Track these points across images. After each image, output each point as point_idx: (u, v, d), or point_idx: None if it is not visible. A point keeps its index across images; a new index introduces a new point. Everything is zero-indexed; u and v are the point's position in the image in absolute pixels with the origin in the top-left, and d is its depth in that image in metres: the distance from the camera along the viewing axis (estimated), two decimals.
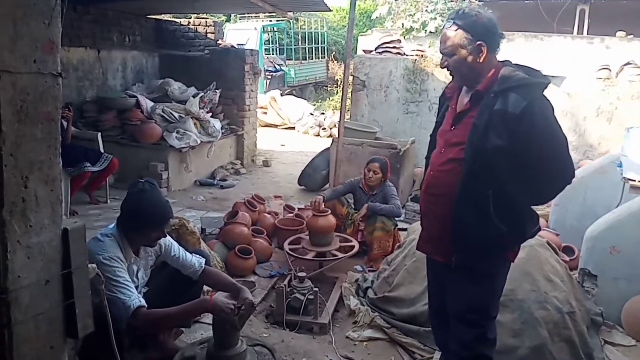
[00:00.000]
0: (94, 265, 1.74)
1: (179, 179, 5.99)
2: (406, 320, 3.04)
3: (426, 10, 8.33)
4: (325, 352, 2.87)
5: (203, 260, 2.59)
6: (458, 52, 1.94)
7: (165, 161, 5.75)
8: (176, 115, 6.02)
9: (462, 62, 1.95)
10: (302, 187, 6.41)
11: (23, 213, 1.44)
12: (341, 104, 5.28)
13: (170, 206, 2.45)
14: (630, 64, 6.56)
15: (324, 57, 17.92)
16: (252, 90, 7.44)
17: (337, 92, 14.80)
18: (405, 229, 4.21)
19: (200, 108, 6.30)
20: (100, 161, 4.81)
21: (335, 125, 9.71)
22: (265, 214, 4.67)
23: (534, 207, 2.05)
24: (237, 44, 8.69)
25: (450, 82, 2.16)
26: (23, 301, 1.46)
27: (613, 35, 7.39)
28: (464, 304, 2.05)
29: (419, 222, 2.31)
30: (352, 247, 4.00)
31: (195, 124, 6.12)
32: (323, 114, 11.66)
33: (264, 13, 10.97)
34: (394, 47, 7.40)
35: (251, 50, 7.71)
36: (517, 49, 6.86)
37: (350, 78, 7.03)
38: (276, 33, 16.67)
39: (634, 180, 3.57)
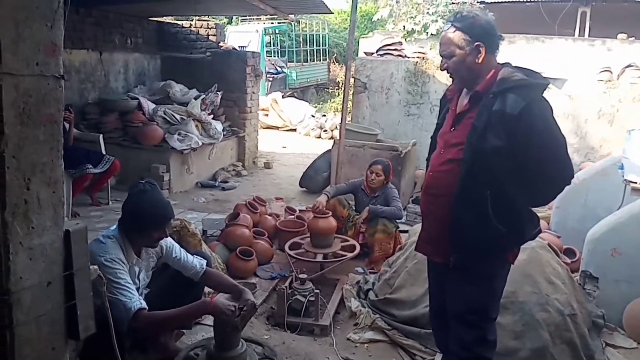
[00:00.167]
0: (96, 266, 1.75)
1: (180, 181, 6.00)
2: (407, 322, 3.03)
3: (427, 12, 8.35)
4: (326, 354, 2.86)
5: (204, 262, 2.59)
6: (457, 54, 1.96)
7: (166, 163, 5.76)
8: (178, 117, 6.04)
9: (461, 63, 1.97)
10: (304, 189, 6.41)
11: (25, 215, 1.44)
12: (342, 106, 5.29)
13: (171, 206, 2.46)
14: (632, 66, 6.55)
15: (326, 59, 17.93)
16: (253, 93, 7.46)
17: (338, 94, 14.81)
18: (406, 231, 4.21)
19: (201, 110, 6.30)
20: (102, 163, 4.82)
21: (336, 128, 9.71)
22: (267, 216, 4.67)
23: (534, 209, 2.05)
24: (239, 46, 8.72)
25: (452, 84, 2.18)
26: (25, 302, 1.46)
27: (614, 38, 7.39)
28: (463, 304, 2.06)
29: (420, 223, 2.32)
30: (354, 248, 4.00)
31: (196, 125, 6.13)
32: (324, 116, 11.67)
33: (266, 15, 11.02)
34: (395, 50, 7.41)
35: (253, 52, 7.73)
36: (518, 51, 6.88)
37: (352, 80, 7.03)
38: (278, 35, 16.69)
39: (636, 183, 3.57)
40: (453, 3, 8.70)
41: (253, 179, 6.99)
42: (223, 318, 2.20)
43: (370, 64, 7.34)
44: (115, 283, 2.13)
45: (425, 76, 7.10)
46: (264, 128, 10.33)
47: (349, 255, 3.89)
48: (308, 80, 16.17)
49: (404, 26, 8.49)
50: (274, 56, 16.08)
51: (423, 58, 7.19)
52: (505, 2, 10.38)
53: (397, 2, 9.36)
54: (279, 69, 15.11)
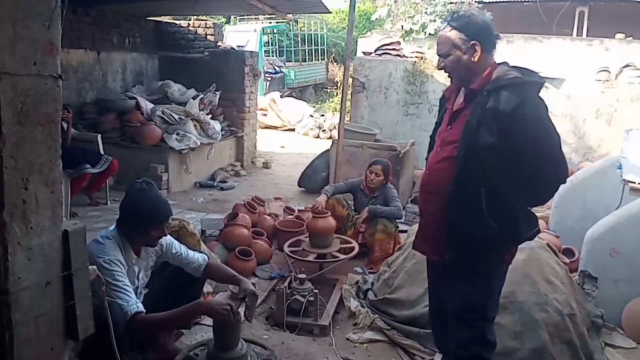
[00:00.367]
0: (95, 267, 1.74)
1: (179, 181, 5.99)
2: (406, 322, 3.03)
3: (425, 12, 8.37)
4: (326, 354, 2.86)
5: (206, 255, 2.59)
6: (453, 52, 1.98)
7: (165, 163, 5.75)
8: (176, 117, 6.02)
9: (457, 62, 1.99)
10: (302, 188, 6.41)
11: (23, 215, 1.44)
12: (341, 106, 5.29)
13: (169, 204, 2.46)
14: (630, 66, 6.56)
15: (324, 59, 17.94)
16: (251, 92, 7.45)
17: (336, 94, 14.80)
18: (405, 231, 4.21)
19: (200, 110, 6.30)
20: (100, 163, 4.81)
21: (335, 127, 9.72)
22: (265, 216, 4.67)
23: (533, 209, 2.05)
24: (237, 46, 8.70)
25: (450, 84, 2.18)
26: (23, 303, 1.46)
27: (612, 37, 7.40)
28: (460, 303, 2.06)
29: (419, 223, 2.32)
30: (352, 248, 3.99)
31: (195, 125, 6.12)
32: (323, 115, 11.67)
33: (264, 15, 10.99)
34: (393, 49, 7.42)
35: (251, 52, 7.71)
36: (516, 51, 6.88)
37: (350, 80, 7.04)
38: (276, 35, 16.70)
39: (634, 182, 3.58)
40: (451, 3, 8.72)
41: (252, 179, 6.99)
42: (219, 317, 2.21)
43: (368, 64, 7.34)
44: (113, 285, 2.12)
45: (423, 76, 7.10)
46: (262, 128, 10.32)
47: (349, 255, 3.89)
48: (306, 80, 16.18)
49: (402, 26, 8.50)
50: (272, 56, 16.09)
51: (421, 58, 7.20)
52: (503, 1, 10.40)
53: (395, 1, 9.37)
54: (277, 68, 15.12)
